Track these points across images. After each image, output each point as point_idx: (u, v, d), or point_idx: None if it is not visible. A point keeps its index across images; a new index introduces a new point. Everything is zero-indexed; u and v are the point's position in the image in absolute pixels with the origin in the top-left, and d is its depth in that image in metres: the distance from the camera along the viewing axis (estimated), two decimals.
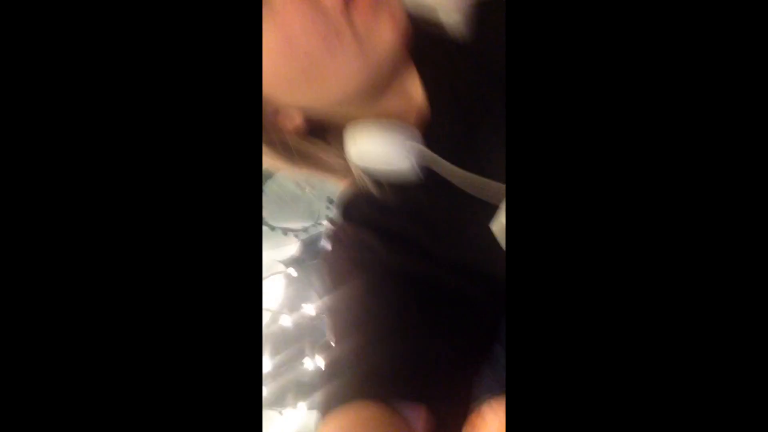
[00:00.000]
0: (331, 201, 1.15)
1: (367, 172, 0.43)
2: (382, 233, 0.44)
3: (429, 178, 0.42)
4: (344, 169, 0.44)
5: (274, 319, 1.34)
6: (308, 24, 0.36)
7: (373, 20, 0.37)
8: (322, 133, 0.44)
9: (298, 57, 0.37)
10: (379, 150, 0.40)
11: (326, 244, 0.48)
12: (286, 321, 1.33)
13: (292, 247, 1.36)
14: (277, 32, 0.36)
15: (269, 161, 0.44)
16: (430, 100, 0.42)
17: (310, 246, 1.36)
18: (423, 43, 0.41)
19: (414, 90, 0.43)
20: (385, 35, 0.38)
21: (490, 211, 0.41)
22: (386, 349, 0.42)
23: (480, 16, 0.41)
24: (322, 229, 1.30)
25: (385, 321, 0.43)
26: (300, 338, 1.29)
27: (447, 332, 0.44)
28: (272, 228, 1.31)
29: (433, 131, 0.42)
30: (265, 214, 1.25)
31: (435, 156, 0.40)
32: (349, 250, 0.45)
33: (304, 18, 0.36)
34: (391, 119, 0.41)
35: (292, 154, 0.43)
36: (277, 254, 1.37)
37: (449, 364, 0.43)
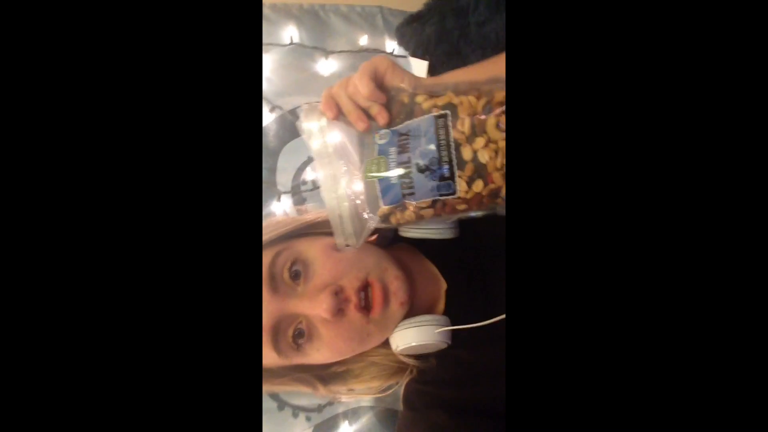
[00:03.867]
0: None
1: (412, 357, 0.59)
2: (447, 408, 0.56)
3: (455, 340, 0.57)
4: (392, 361, 0.60)
5: None
6: (347, 340, 0.54)
7: (386, 309, 0.54)
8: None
9: (345, 355, 0.58)
10: (417, 342, 0.56)
11: None
12: None
13: None
14: (327, 349, 0.55)
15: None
16: (448, 284, 0.59)
17: None
18: (434, 248, 0.60)
19: (437, 284, 0.60)
20: (396, 313, 0.55)
21: None
22: None
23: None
24: (339, 409, 1.10)
25: None
26: None
27: None
28: (281, 407, 1.09)
29: (453, 305, 0.59)
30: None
31: (457, 327, 0.56)
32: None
33: (343, 336, 0.54)
34: (421, 317, 0.57)
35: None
36: None
37: None
